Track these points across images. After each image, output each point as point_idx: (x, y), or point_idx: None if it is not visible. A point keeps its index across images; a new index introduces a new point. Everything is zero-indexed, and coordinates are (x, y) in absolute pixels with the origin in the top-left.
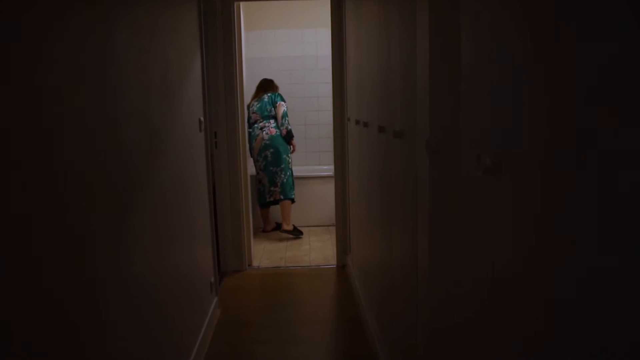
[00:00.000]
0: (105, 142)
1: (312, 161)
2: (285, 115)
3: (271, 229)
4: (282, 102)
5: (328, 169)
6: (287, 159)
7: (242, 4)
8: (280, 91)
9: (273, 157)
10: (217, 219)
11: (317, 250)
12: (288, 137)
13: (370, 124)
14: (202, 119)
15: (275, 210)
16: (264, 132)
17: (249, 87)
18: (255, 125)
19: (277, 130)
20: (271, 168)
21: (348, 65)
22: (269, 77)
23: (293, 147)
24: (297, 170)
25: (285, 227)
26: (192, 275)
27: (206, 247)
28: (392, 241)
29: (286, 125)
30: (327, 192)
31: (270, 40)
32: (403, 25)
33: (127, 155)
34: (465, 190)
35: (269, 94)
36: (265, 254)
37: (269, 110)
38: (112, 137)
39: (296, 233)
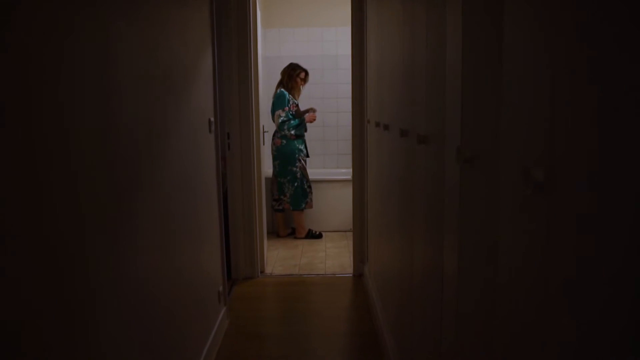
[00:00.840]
0: (97, 140)
1: (330, 164)
2: (282, 124)
3: (286, 234)
4: (279, 112)
5: (346, 173)
6: (295, 169)
7: (259, 0)
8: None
9: (280, 168)
10: (229, 224)
11: (333, 257)
12: (300, 135)
13: (391, 126)
14: (212, 119)
15: (291, 214)
16: (273, 142)
17: (265, 86)
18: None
19: (282, 140)
20: (280, 179)
21: (369, 65)
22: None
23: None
24: (315, 173)
25: (298, 235)
26: (199, 283)
27: (215, 254)
28: (414, 252)
29: (286, 132)
30: (345, 197)
31: (288, 39)
32: (430, 20)
33: (123, 154)
34: (508, 207)
35: (276, 94)
36: (279, 260)
37: (272, 117)
38: (105, 134)
39: (311, 237)
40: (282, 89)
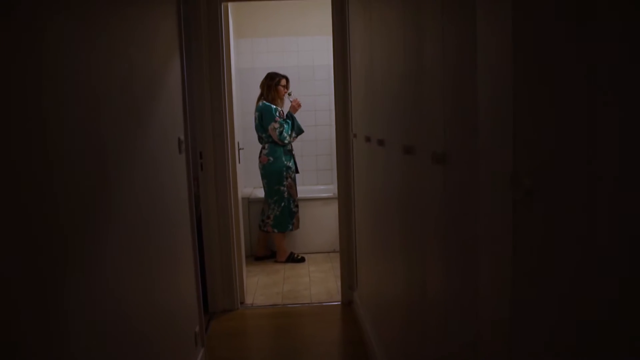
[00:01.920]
0: (36, 170)
1: (310, 181)
2: (281, 135)
3: (263, 255)
4: (273, 124)
5: (326, 189)
6: (283, 189)
7: (231, 8)
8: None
9: (267, 187)
10: (204, 251)
11: (318, 282)
12: (298, 134)
13: (387, 141)
14: (182, 137)
15: (271, 235)
16: (259, 160)
17: (239, 100)
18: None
19: (269, 157)
20: (268, 199)
21: (354, 75)
22: (258, 90)
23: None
24: None
25: (279, 259)
26: (172, 324)
27: (190, 288)
28: (427, 279)
29: (290, 139)
30: (327, 215)
31: (262, 49)
32: (446, 17)
33: (68, 183)
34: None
35: (258, 108)
36: (260, 288)
37: (260, 132)
38: (46, 163)
39: (291, 261)
40: (264, 102)
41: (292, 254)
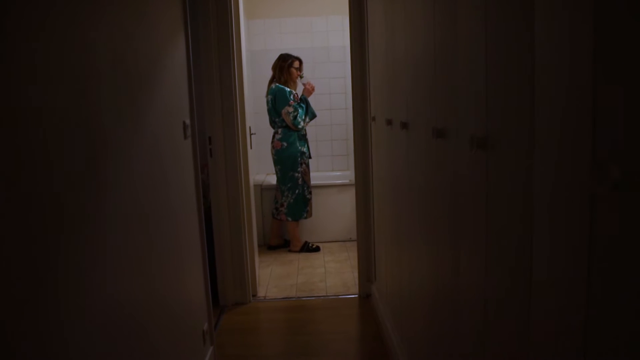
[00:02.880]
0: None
1: (324, 167)
2: (295, 120)
3: (276, 244)
4: (287, 108)
5: (342, 176)
6: (297, 175)
7: None
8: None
9: (281, 173)
10: (213, 242)
11: (333, 273)
12: (312, 119)
13: (412, 124)
14: (187, 122)
15: (285, 224)
16: (272, 145)
17: (250, 83)
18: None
19: (283, 142)
20: (281, 186)
21: (372, 56)
22: (271, 72)
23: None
24: None
25: (293, 248)
26: (176, 322)
27: (197, 283)
28: (460, 269)
29: (302, 123)
30: (343, 203)
31: (275, 30)
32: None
33: (62, 173)
34: None
35: (271, 91)
36: (273, 279)
37: (273, 115)
38: (28, 146)
39: (306, 250)
40: (278, 84)
41: (306, 243)
